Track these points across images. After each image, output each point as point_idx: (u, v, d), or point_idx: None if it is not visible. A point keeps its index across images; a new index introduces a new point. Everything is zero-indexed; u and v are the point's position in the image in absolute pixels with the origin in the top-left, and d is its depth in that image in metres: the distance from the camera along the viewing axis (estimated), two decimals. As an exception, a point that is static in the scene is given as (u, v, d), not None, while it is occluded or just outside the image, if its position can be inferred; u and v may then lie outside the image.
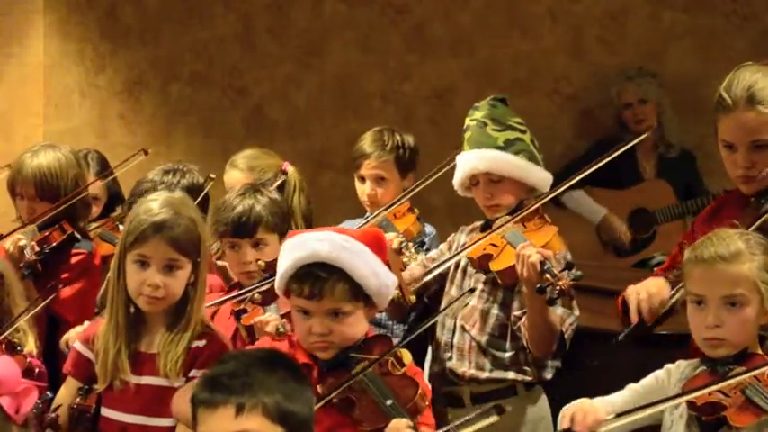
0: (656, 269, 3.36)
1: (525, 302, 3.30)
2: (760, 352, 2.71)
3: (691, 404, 2.63)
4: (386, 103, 5.86)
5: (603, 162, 3.39)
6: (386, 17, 5.88)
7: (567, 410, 2.70)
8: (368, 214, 3.96)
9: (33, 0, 6.57)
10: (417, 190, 3.79)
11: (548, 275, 3.10)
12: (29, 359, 3.08)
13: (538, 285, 3.12)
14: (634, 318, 3.00)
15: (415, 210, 3.90)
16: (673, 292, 3.00)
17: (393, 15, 5.87)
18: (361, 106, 5.89)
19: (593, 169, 3.41)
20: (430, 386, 2.95)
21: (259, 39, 6.14)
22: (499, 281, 3.38)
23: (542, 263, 3.12)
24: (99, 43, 6.48)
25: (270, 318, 3.15)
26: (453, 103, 5.67)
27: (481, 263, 3.40)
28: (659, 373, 2.82)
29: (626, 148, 3.40)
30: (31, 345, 3.15)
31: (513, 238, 3.31)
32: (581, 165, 3.47)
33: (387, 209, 3.80)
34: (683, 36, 5.37)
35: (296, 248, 2.83)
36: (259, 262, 3.39)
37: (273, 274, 3.30)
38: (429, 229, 3.97)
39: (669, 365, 2.83)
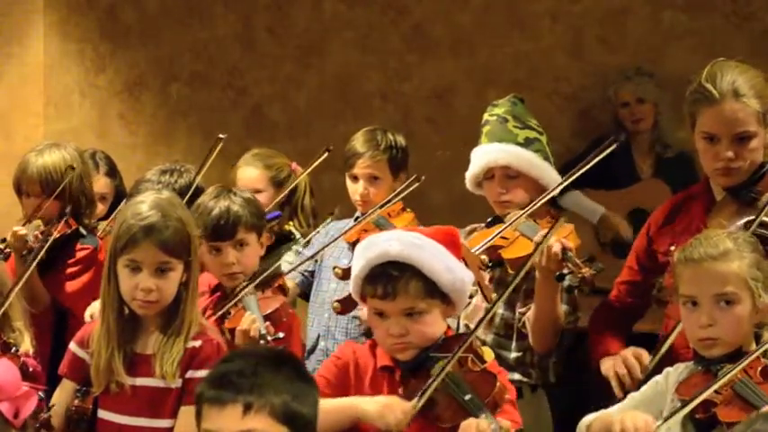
0: (615, 280, 3.38)
1: (535, 290, 3.26)
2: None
3: (683, 402, 2.63)
4: (385, 102, 5.84)
5: (592, 164, 3.38)
6: (386, 17, 5.87)
7: (618, 423, 2.59)
8: (358, 214, 3.95)
9: (33, 0, 6.56)
10: (411, 189, 3.76)
11: (569, 264, 3.09)
12: (22, 359, 3.07)
13: (557, 273, 3.11)
14: (619, 394, 3.01)
15: (408, 209, 3.89)
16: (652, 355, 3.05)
17: (393, 15, 5.86)
18: (360, 106, 5.87)
19: (583, 170, 3.41)
20: None
21: (259, 39, 6.13)
22: (509, 269, 3.36)
23: (564, 251, 3.11)
24: (99, 43, 6.47)
25: (250, 319, 3.14)
26: (453, 103, 5.66)
27: (490, 254, 3.39)
28: (658, 378, 2.83)
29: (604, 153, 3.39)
30: (27, 344, 3.14)
31: (528, 230, 3.30)
32: (578, 164, 3.47)
33: (379, 207, 3.78)
34: (683, 36, 5.35)
35: (367, 250, 2.82)
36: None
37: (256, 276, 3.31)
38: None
39: (668, 369, 2.83)
